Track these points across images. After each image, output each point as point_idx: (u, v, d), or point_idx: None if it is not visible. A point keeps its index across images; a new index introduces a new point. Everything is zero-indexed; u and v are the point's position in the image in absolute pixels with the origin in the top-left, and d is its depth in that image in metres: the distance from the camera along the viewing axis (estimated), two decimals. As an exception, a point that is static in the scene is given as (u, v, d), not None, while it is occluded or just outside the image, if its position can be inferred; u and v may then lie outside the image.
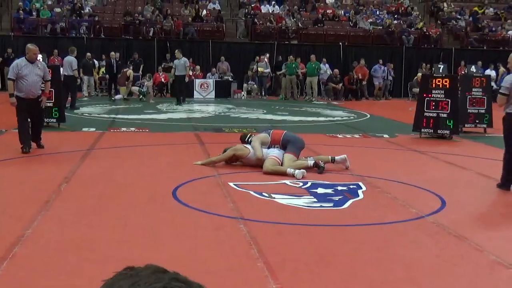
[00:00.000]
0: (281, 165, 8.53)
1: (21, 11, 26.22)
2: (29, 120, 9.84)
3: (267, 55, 25.66)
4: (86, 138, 11.59)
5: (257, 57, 25.37)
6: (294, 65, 24.12)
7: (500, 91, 7.80)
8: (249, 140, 8.98)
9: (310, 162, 8.72)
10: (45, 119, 12.71)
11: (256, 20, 28.08)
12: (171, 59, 25.41)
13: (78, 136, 12.09)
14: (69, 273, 4.45)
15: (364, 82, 25.02)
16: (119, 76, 22.01)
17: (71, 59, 17.89)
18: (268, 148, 8.93)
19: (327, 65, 25.42)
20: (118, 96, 21.76)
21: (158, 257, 4.70)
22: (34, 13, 26.69)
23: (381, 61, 25.81)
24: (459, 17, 30.63)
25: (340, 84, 24.83)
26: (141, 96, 21.87)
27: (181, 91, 20.75)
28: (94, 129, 13.03)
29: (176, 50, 21.07)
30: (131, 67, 22.84)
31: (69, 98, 17.24)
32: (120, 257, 4.63)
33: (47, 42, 24.97)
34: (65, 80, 17.90)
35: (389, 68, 26.02)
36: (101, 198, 6.77)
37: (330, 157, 8.93)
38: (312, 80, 24.33)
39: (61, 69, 16.72)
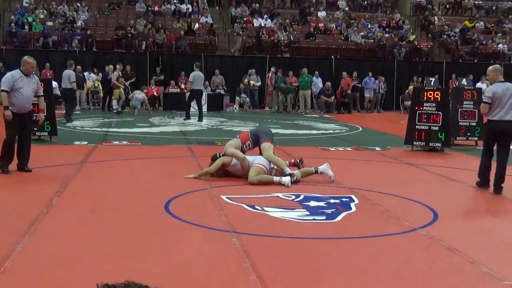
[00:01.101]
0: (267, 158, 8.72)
1: (13, 25, 26.24)
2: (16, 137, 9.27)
3: (273, 69, 25.71)
4: (78, 151, 11.56)
5: (250, 70, 25.46)
6: (288, 87, 24.52)
7: (483, 100, 8.41)
8: (221, 154, 8.99)
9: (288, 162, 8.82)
10: (37, 132, 12.77)
11: (261, 33, 28.18)
12: (162, 72, 25.50)
13: (70, 149, 12.06)
14: (60, 287, 4.42)
15: (349, 91, 25.15)
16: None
17: (69, 73, 18.21)
18: (242, 150, 9.00)
19: (319, 79, 25.55)
20: (114, 103, 21.73)
21: (150, 271, 4.68)
22: (26, 27, 26.70)
23: (370, 74, 25.98)
24: (449, 33, 30.86)
25: (332, 97, 24.95)
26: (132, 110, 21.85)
27: (199, 106, 19.75)
28: (86, 142, 13.00)
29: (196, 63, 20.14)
30: (120, 66, 22.89)
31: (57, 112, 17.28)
32: (112, 271, 4.60)
33: (39, 55, 24.90)
34: (62, 93, 18.38)
35: (380, 81, 26.17)
36: (93, 212, 6.74)
37: (313, 168, 8.95)
38: (305, 93, 24.49)
39: (53, 82, 16.81)
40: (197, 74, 19.21)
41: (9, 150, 9.16)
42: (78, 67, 22.93)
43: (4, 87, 9.02)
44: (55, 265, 4.84)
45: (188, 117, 19.45)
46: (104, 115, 20.82)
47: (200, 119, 19.10)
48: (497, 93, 8.16)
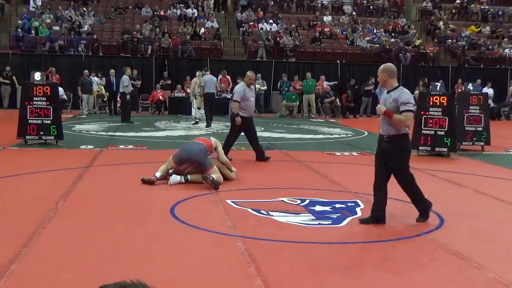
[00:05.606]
0: None
1: (19, 30, 26.33)
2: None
3: (222, 73, 25.50)
4: (84, 155, 11.59)
5: (257, 75, 25.44)
6: (293, 95, 24.83)
7: (412, 109, 6.82)
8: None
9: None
10: (43, 136, 12.85)
11: (271, 38, 28.24)
12: (169, 76, 25.55)
13: (76, 153, 12.09)
14: (66, 291, 4.42)
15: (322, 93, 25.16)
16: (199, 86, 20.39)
17: (124, 77, 19.45)
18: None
19: (325, 83, 25.58)
20: (193, 111, 20.92)
21: (155, 275, 4.68)
22: (32, 32, 26.80)
23: None
24: (454, 40, 30.78)
25: (333, 98, 24.95)
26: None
27: (211, 110, 18.96)
28: (92, 146, 13.03)
29: (204, 68, 20.07)
30: (200, 73, 20.09)
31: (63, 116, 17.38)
32: (116, 275, 4.58)
33: (45, 60, 25.13)
34: (121, 97, 19.94)
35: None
36: (99, 216, 6.75)
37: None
38: (309, 98, 24.50)
39: (60, 88, 16.83)
40: (208, 78, 18.85)
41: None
42: (86, 71, 23.10)
43: (237, 98, 11.34)
44: (60, 269, 4.85)
45: (209, 124, 18.61)
46: (110, 119, 20.84)
47: (208, 125, 18.58)
48: None
